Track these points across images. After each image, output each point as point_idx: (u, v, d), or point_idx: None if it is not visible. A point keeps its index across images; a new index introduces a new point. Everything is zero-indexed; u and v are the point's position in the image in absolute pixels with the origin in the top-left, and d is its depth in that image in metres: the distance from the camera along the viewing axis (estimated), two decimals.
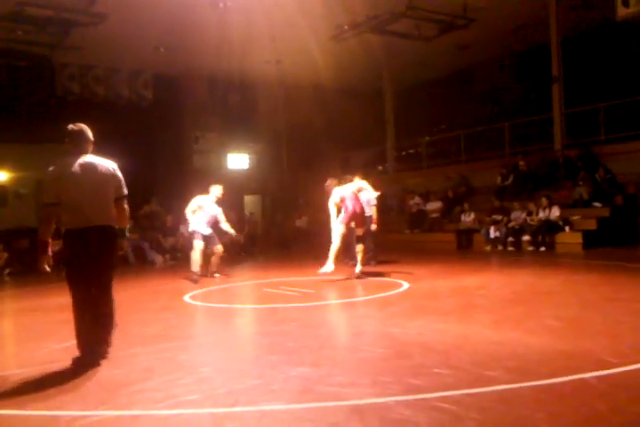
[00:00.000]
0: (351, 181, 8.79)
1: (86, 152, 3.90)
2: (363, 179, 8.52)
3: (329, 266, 7.38)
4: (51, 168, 3.83)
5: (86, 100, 15.20)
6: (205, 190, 8.52)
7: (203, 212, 8.17)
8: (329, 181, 8.22)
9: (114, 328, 3.84)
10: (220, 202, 8.47)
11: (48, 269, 3.78)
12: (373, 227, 9.01)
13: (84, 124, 3.99)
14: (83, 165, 3.80)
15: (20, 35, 12.45)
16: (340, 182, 8.12)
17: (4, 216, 13.13)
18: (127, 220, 4.05)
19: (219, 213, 8.36)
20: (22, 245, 11.23)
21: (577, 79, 14.33)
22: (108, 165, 3.91)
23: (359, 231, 7.85)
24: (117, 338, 4.53)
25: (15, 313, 6.39)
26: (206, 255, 8.28)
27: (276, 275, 8.79)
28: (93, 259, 3.74)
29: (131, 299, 6.84)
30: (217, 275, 8.59)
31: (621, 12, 11.48)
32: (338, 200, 7.67)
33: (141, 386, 3.17)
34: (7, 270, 11.55)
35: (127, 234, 4.10)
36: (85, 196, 3.76)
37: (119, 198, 3.93)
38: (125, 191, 3.98)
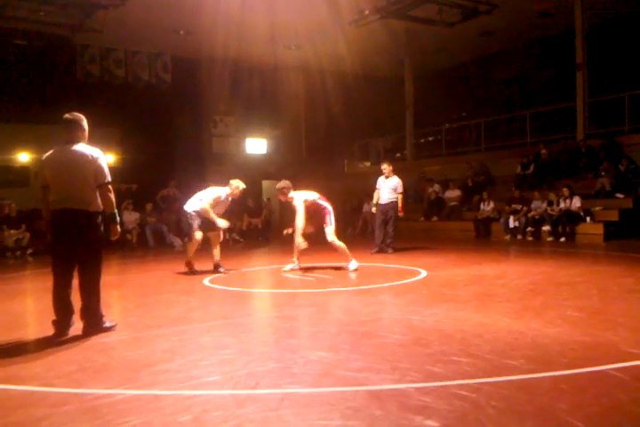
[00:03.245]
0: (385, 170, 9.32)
1: (78, 140, 4.17)
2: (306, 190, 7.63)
3: (352, 264, 7.25)
4: (45, 154, 4.22)
5: (106, 82, 15.26)
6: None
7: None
8: (284, 183, 7.37)
9: (98, 304, 4.14)
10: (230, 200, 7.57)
11: None
12: (400, 214, 9.48)
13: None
14: (66, 152, 4.13)
15: (42, 16, 12.50)
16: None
17: (26, 197, 13.30)
18: (113, 206, 4.22)
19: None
20: (44, 225, 11.38)
21: (602, 67, 14.06)
22: (89, 152, 4.13)
23: (310, 229, 7.41)
24: (140, 319, 4.63)
25: (36, 292, 6.51)
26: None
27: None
28: (69, 239, 4.08)
29: (151, 281, 6.94)
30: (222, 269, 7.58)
31: None
32: (302, 204, 7.18)
33: (163, 366, 3.22)
34: (30, 250, 11.76)
35: (117, 219, 4.31)
36: (63, 181, 4.09)
37: (100, 185, 4.15)
38: (107, 179, 4.18)
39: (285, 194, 7.35)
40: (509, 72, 17.46)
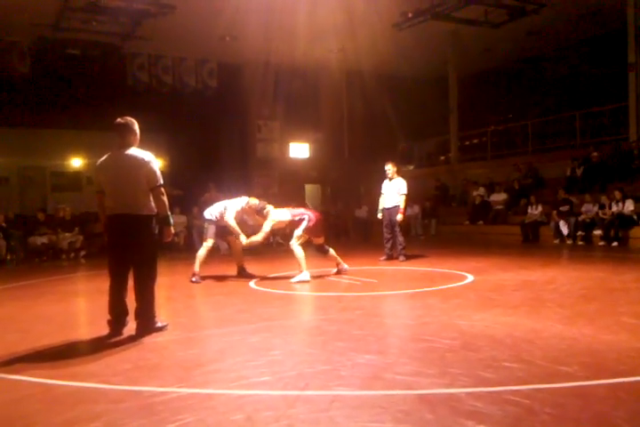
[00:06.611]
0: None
1: (130, 144, 4.24)
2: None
3: (304, 275, 6.89)
4: (99, 160, 4.34)
5: (154, 89, 15.68)
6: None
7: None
8: (261, 204, 7.18)
9: (152, 305, 4.21)
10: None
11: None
12: (400, 217, 8.79)
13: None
14: (119, 157, 4.21)
15: (95, 25, 12.96)
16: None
17: (79, 201, 13.80)
18: (166, 208, 4.27)
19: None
20: (96, 228, 11.75)
21: None
22: (141, 156, 4.19)
23: (317, 240, 7.32)
24: (190, 320, 4.74)
25: (91, 293, 6.72)
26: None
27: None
28: (124, 243, 4.16)
29: (200, 284, 7.06)
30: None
31: None
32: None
33: (215, 366, 3.28)
34: (83, 253, 12.18)
35: (171, 222, 4.36)
36: (116, 185, 4.18)
37: (153, 188, 4.20)
38: (160, 182, 4.22)
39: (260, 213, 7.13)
40: (558, 72, 17.06)
